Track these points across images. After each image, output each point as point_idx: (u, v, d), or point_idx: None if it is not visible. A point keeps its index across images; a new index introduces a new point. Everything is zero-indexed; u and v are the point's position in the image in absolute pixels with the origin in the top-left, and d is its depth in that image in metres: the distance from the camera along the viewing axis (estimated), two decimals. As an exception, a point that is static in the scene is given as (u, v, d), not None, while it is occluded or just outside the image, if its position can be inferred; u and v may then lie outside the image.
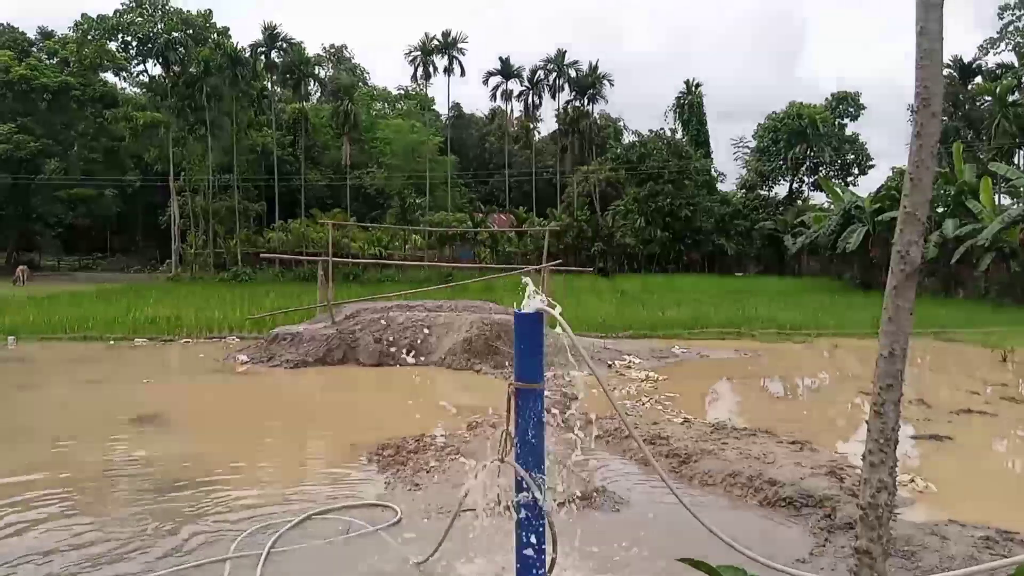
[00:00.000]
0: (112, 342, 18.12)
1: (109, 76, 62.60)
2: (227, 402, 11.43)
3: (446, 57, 64.20)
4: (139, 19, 54.62)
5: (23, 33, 64.07)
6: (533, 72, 68.29)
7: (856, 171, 66.03)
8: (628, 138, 73.03)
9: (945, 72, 53.05)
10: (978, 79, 53.40)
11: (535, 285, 3.86)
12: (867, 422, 2.98)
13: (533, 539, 3.98)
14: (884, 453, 2.84)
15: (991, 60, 54.08)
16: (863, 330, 20.13)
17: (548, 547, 4.00)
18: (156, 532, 5.56)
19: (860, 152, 65.72)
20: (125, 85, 64.70)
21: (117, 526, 5.71)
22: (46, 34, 65.56)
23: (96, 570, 4.88)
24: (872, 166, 66.83)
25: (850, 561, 3.76)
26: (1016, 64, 50.33)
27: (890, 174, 49.67)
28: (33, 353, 16.29)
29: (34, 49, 61.95)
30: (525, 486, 3.94)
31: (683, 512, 6.19)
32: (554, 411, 9.99)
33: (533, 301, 3.86)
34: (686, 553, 3.33)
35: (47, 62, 59.63)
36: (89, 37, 56.07)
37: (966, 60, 54.15)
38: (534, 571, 4.00)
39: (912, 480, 7.04)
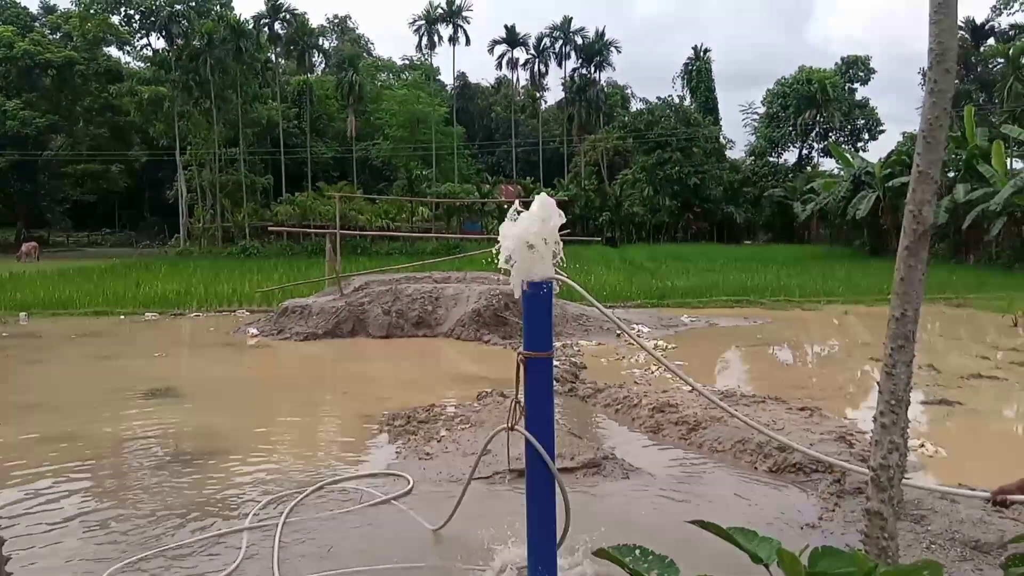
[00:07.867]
0: (123, 316, 18.23)
1: (113, 50, 62.27)
2: (238, 375, 11.50)
3: (451, 26, 63.58)
4: (141, -9, 54.19)
5: (25, 8, 63.68)
6: (539, 40, 67.45)
7: (866, 136, 65.34)
8: (636, 106, 72.46)
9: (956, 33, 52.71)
10: (990, 41, 52.48)
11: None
12: (878, 384, 2.97)
13: (544, 506, 4.01)
14: (895, 415, 2.84)
15: (1004, 21, 53.15)
16: (873, 297, 20.06)
17: (559, 514, 4.03)
18: (171, 504, 5.62)
19: (870, 117, 64.94)
20: (129, 59, 64.32)
21: (132, 499, 5.77)
22: (48, 8, 65.09)
23: (113, 543, 4.93)
24: (882, 131, 66.10)
25: (860, 524, 3.77)
26: (1029, 25, 49.48)
27: (900, 139, 49.14)
28: (45, 328, 16.40)
29: (36, 24, 61.56)
30: (535, 453, 3.96)
31: (692, 477, 6.25)
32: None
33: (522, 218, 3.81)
34: (696, 517, 3.34)
35: (50, 37, 59.28)
36: (91, 11, 55.64)
37: (978, 21, 53.24)
38: (545, 537, 4.03)
39: (922, 445, 7.04)
